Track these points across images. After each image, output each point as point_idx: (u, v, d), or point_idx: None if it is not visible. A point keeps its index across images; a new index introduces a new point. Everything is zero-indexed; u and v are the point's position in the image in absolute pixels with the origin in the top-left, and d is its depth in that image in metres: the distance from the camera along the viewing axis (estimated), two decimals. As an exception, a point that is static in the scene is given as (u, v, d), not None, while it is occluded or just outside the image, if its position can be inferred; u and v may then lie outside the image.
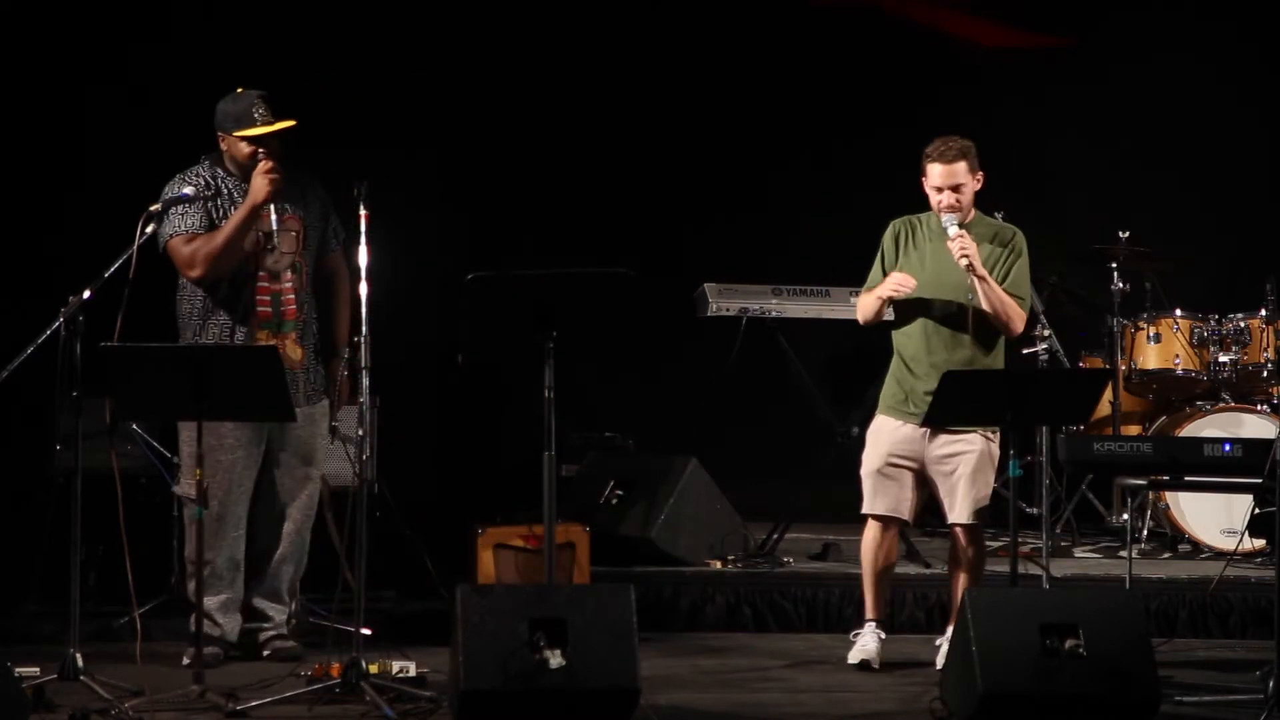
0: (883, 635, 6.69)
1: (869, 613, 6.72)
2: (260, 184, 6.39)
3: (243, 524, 6.59)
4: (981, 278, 6.49)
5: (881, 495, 6.64)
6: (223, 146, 6.56)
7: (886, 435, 6.66)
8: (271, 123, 6.49)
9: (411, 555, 7.18)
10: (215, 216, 6.47)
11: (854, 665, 6.63)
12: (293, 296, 6.55)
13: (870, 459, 6.69)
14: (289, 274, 6.55)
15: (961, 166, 6.59)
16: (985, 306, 6.52)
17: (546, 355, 5.70)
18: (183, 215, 6.44)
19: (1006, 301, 6.53)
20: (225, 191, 6.52)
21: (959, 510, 6.56)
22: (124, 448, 7.13)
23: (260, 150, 6.47)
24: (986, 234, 6.66)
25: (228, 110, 6.53)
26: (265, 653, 6.57)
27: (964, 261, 6.46)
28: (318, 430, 6.62)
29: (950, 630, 6.55)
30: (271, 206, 6.44)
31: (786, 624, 7.57)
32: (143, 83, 8.72)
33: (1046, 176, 9.72)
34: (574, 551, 7.29)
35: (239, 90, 6.56)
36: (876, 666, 6.60)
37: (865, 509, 6.68)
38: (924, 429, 6.56)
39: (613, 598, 5.53)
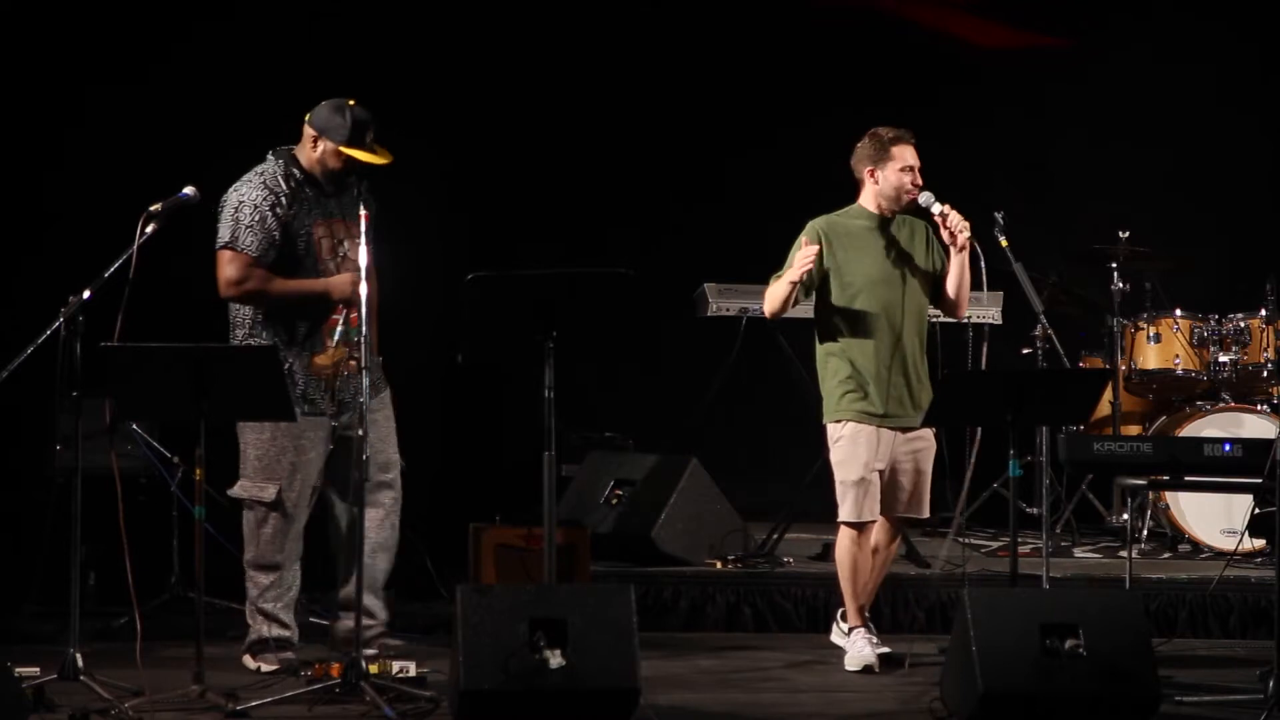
0: (874, 638, 6.68)
1: (853, 619, 6.68)
2: (344, 286, 6.29)
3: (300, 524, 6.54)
4: (963, 250, 6.55)
5: (869, 501, 6.57)
6: (311, 146, 6.42)
7: (865, 443, 6.56)
8: (376, 153, 6.37)
9: (411, 555, 7.18)
10: (282, 217, 6.34)
11: (855, 671, 6.59)
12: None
13: (852, 468, 6.56)
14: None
15: (912, 148, 6.69)
16: (951, 285, 6.60)
17: (546, 355, 5.70)
18: (249, 230, 6.30)
19: (967, 281, 6.59)
20: (290, 190, 6.38)
21: (924, 505, 6.64)
22: (124, 448, 7.14)
23: (352, 175, 6.36)
24: (904, 224, 6.70)
25: (338, 121, 6.36)
26: (370, 651, 6.35)
27: (965, 234, 6.50)
28: (383, 418, 6.52)
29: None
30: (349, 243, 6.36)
31: (786, 624, 7.57)
32: (142, 82, 8.73)
33: (1046, 176, 9.72)
34: (574, 552, 7.30)
35: (350, 102, 6.42)
36: (878, 670, 6.58)
37: (850, 517, 6.58)
38: (894, 431, 6.57)
39: (613, 598, 5.53)
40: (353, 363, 6.35)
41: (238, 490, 6.45)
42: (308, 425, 6.36)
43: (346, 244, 6.41)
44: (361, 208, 6.17)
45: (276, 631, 6.44)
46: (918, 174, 6.66)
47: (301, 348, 6.37)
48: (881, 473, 6.58)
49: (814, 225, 6.72)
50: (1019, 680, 5.52)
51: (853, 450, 6.56)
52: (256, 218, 6.31)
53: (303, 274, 6.35)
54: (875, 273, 6.61)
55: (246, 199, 6.32)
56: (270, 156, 6.45)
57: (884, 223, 6.66)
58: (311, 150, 6.42)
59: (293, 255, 6.34)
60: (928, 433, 6.60)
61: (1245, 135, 9.71)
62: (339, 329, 6.40)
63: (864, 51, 9.86)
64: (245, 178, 6.41)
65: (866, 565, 6.67)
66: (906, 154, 6.65)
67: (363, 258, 6.08)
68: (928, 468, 6.64)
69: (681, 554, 7.75)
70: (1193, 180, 9.65)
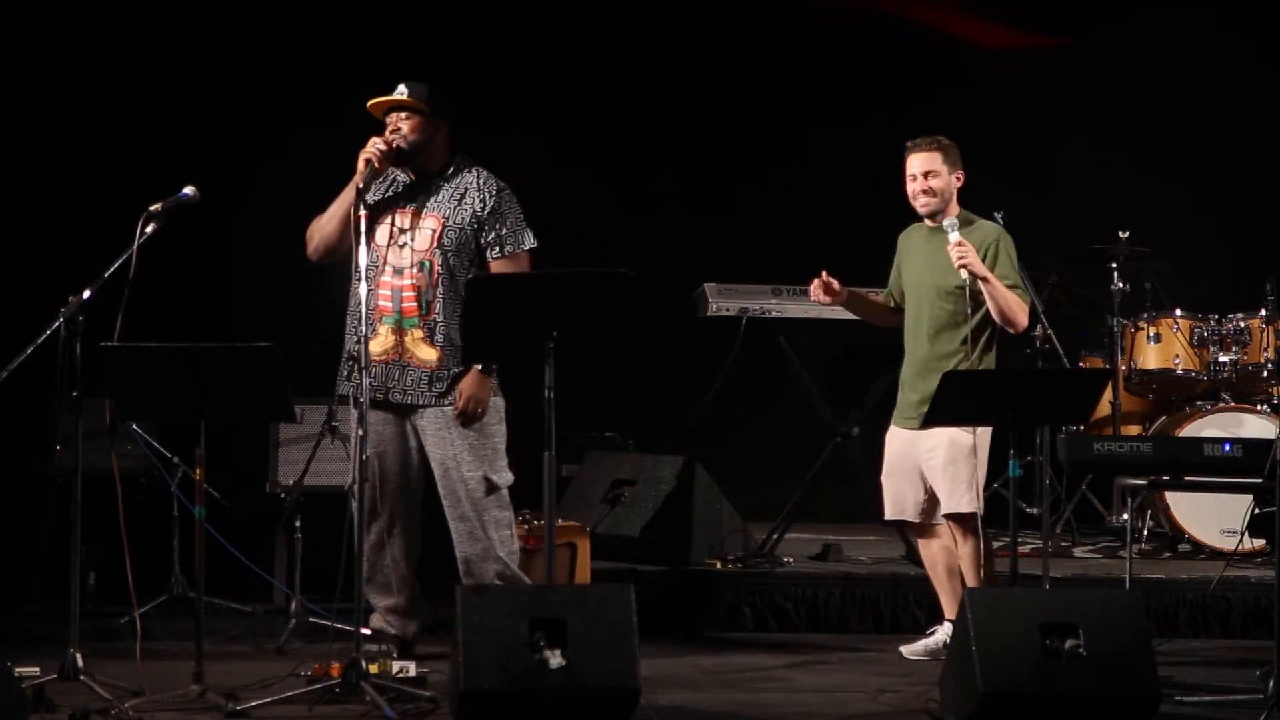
0: (940, 636, 6.82)
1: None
2: (365, 151, 6.39)
3: (404, 524, 6.56)
4: (984, 279, 6.52)
5: (888, 500, 6.82)
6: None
7: (889, 442, 6.85)
8: (394, 95, 6.48)
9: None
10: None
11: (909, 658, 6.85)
12: (414, 294, 6.43)
13: (883, 466, 6.88)
14: (414, 271, 6.45)
15: (935, 156, 6.70)
16: (990, 306, 6.56)
17: (546, 355, 5.69)
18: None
19: (1009, 299, 6.57)
20: (391, 179, 6.54)
21: (942, 504, 6.67)
22: (124, 448, 7.13)
23: (387, 124, 6.47)
24: (973, 232, 6.70)
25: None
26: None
27: (962, 268, 6.52)
28: (454, 430, 6.49)
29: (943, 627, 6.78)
30: (377, 185, 6.43)
31: (786, 624, 7.58)
32: (143, 82, 8.74)
33: (1046, 176, 9.73)
34: (574, 551, 7.30)
35: None
36: (928, 658, 6.78)
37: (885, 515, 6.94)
38: (914, 430, 6.61)
39: (613, 598, 5.53)
40: (420, 357, 6.42)
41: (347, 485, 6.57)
42: (375, 417, 6.37)
43: (410, 232, 6.49)
44: (361, 207, 6.16)
45: (385, 624, 6.58)
46: (922, 180, 6.68)
47: (359, 331, 6.36)
48: (915, 471, 6.75)
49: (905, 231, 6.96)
50: (1019, 680, 5.51)
51: (885, 448, 6.87)
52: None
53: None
54: (918, 277, 6.77)
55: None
56: None
57: (933, 232, 6.74)
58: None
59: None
60: (935, 433, 6.60)
61: (1245, 135, 9.71)
62: (392, 317, 6.45)
63: (864, 52, 9.87)
64: None
65: (929, 563, 6.88)
66: (911, 163, 6.73)
67: (362, 258, 6.08)
68: (939, 463, 6.65)
69: (681, 554, 7.75)
70: (1193, 180, 9.66)
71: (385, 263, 6.46)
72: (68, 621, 5.87)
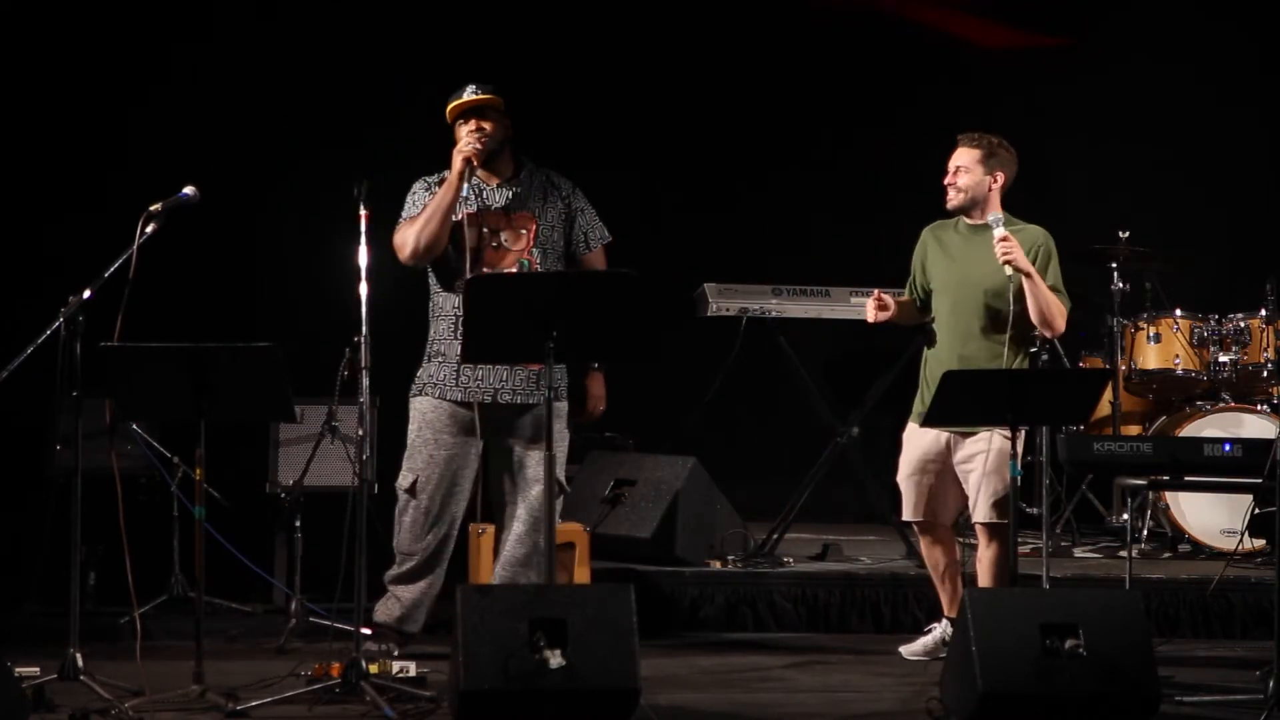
0: (939, 633, 6.84)
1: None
2: (454, 155, 6.45)
3: (452, 522, 6.59)
4: (1028, 274, 6.51)
5: (909, 501, 6.76)
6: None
7: (910, 440, 6.75)
8: (476, 95, 6.53)
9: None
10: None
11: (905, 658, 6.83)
12: None
13: (900, 466, 6.78)
14: (514, 271, 6.51)
15: (971, 153, 6.70)
16: (1030, 305, 6.52)
17: (546, 355, 5.69)
18: (411, 206, 6.57)
19: (1051, 300, 6.54)
20: (467, 189, 6.54)
21: (978, 510, 6.61)
22: (124, 448, 7.14)
23: (465, 126, 6.52)
24: (1015, 234, 6.67)
25: (449, 102, 6.59)
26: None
27: (1006, 263, 6.48)
28: (552, 431, 6.42)
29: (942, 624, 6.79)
30: (471, 185, 6.48)
31: (786, 624, 7.58)
32: (143, 83, 8.74)
33: (1046, 176, 9.71)
34: (574, 551, 7.30)
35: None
36: (927, 658, 6.79)
37: (903, 516, 6.89)
38: (950, 432, 6.60)
39: (613, 598, 5.53)
40: None
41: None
42: (446, 416, 6.45)
43: (504, 234, 6.54)
44: (362, 207, 6.17)
45: (393, 612, 6.56)
46: (952, 174, 6.70)
47: (455, 336, 6.46)
48: (942, 474, 6.71)
49: (927, 229, 6.89)
50: (1019, 680, 5.51)
51: (903, 447, 6.80)
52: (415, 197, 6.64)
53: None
54: (960, 275, 6.70)
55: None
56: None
57: (974, 230, 6.71)
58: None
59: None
60: (990, 435, 6.53)
61: (1246, 135, 9.71)
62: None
63: (864, 52, 9.86)
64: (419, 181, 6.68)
65: (933, 563, 6.86)
66: (954, 156, 6.73)
67: (362, 258, 6.08)
68: (983, 470, 6.60)
69: (681, 554, 7.75)
70: (1193, 180, 9.65)
71: (482, 265, 6.51)
72: (68, 621, 5.87)
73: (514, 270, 6.51)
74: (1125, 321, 8.67)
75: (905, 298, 6.88)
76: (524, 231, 6.57)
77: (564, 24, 9.41)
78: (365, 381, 5.99)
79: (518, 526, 6.58)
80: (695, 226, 9.58)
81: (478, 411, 6.53)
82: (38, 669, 5.85)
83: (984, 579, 6.64)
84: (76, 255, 6.57)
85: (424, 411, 6.57)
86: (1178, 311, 8.69)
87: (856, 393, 8.30)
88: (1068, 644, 5.52)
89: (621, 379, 8.51)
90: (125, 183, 7.50)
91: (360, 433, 5.99)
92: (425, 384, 6.62)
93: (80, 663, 5.80)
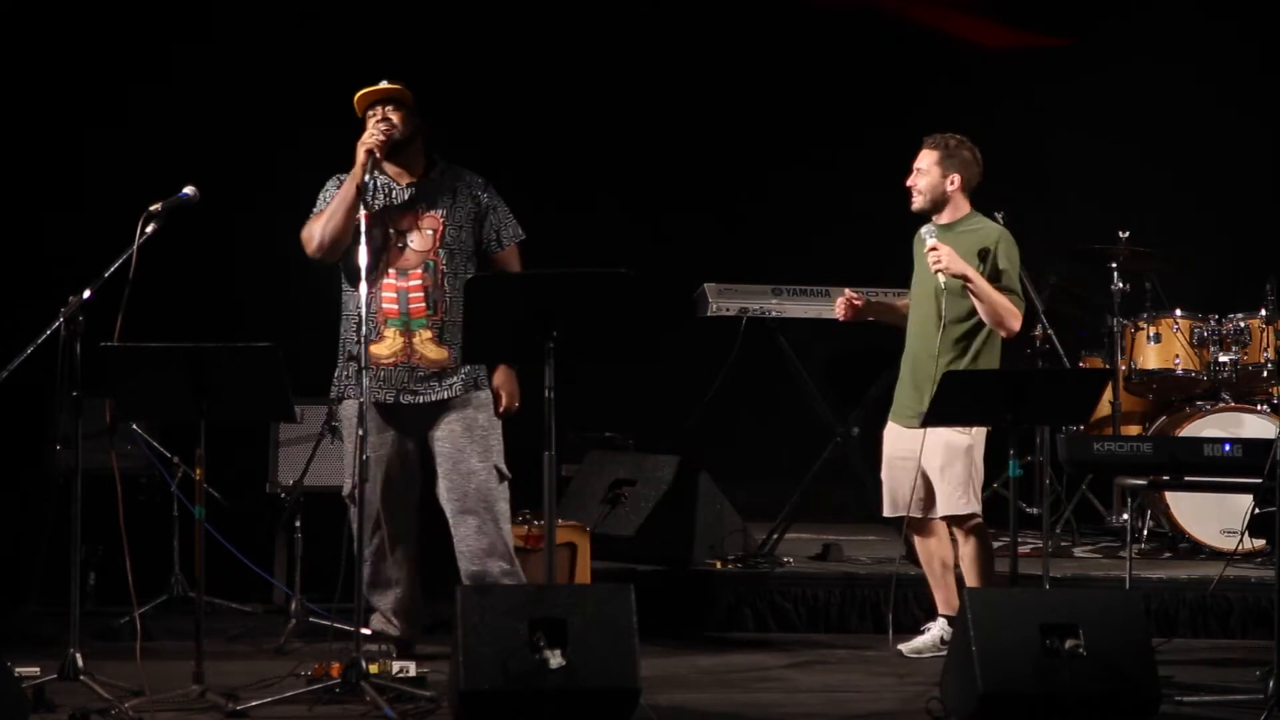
0: (937, 632, 6.86)
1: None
2: (357, 147, 6.39)
3: (398, 521, 6.54)
4: (963, 278, 6.53)
5: (885, 498, 6.84)
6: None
7: (886, 438, 6.87)
8: (383, 86, 6.48)
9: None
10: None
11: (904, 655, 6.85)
12: (421, 294, 6.44)
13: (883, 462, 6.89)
14: (419, 272, 6.46)
15: (928, 154, 6.75)
16: (978, 307, 6.56)
17: (546, 355, 5.69)
18: (321, 200, 6.53)
19: (998, 301, 6.57)
20: (373, 186, 6.47)
21: (940, 505, 6.70)
22: (124, 448, 7.13)
23: (369, 117, 6.47)
24: (970, 234, 6.70)
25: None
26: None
27: (937, 271, 6.56)
28: (464, 426, 6.50)
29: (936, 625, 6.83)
30: (375, 180, 6.41)
31: (786, 624, 7.58)
32: (144, 84, 8.74)
33: (1046, 176, 9.72)
34: (574, 551, 7.29)
35: None
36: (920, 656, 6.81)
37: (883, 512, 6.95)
38: (911, 429, 6.62)
39: (613, 598, 5.53)
40: (429, 356, 6.43)
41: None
42: (371, 417, 6.36)
43: (410, 234, 6.50)
44: (362, 208, 6.17)
45: (384, 625, 6.58)
46: (914, 176, 6.74)
47: (361, 335, 6.39)
48: (914, 469, 6.73)
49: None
50: (1019, 680, 5.51)
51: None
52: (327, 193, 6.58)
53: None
54: (915, 279, 6.80)
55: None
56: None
57: (941, 230, 6.75)
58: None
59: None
60: (931, 434, 6.60)
61: (1246, 135, 9.71)
62: (399, 319, 6.45)
63: (864, 52, 9.86)
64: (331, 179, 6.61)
65: (924, 560, 6.91)
66: (915, 160, 6.77)
67: (362, 258, 6.07)
68: (935, 465, 6.68)
69: (681, 554, 7.75)
70: (1193, 180, 9.65)
71: (387, 265, 6.46)
72: (68, 621, 5.87)
73: (419, 272, 6.46)
74: (1125, 321, 8.66)
75: (904, 300, 6.96)
76: (430, 232, 6.50)
77: (565, 25, 9.42)
78: (366, 381, 5.99)
79: (470, 520, 6.50)
80: (695, 226, 9.58)
81: (395, 411, 6.51)
82: (38, 669, 5.84)
83: (968, 577, 6.67)
84: (76, 255, 6.57)
85: (349, 417, 6.49)
86: (1178, 311, 8.69)
87: (856, 393, 8.31)
88: (1068, 644, 5.52)
89: (621, 379, 8.53)
90: (125, 183, 7.49)
91: (360, 432, 5.99)
92: (346, 386, 6.54)
93: (80, 663, 5.80)
